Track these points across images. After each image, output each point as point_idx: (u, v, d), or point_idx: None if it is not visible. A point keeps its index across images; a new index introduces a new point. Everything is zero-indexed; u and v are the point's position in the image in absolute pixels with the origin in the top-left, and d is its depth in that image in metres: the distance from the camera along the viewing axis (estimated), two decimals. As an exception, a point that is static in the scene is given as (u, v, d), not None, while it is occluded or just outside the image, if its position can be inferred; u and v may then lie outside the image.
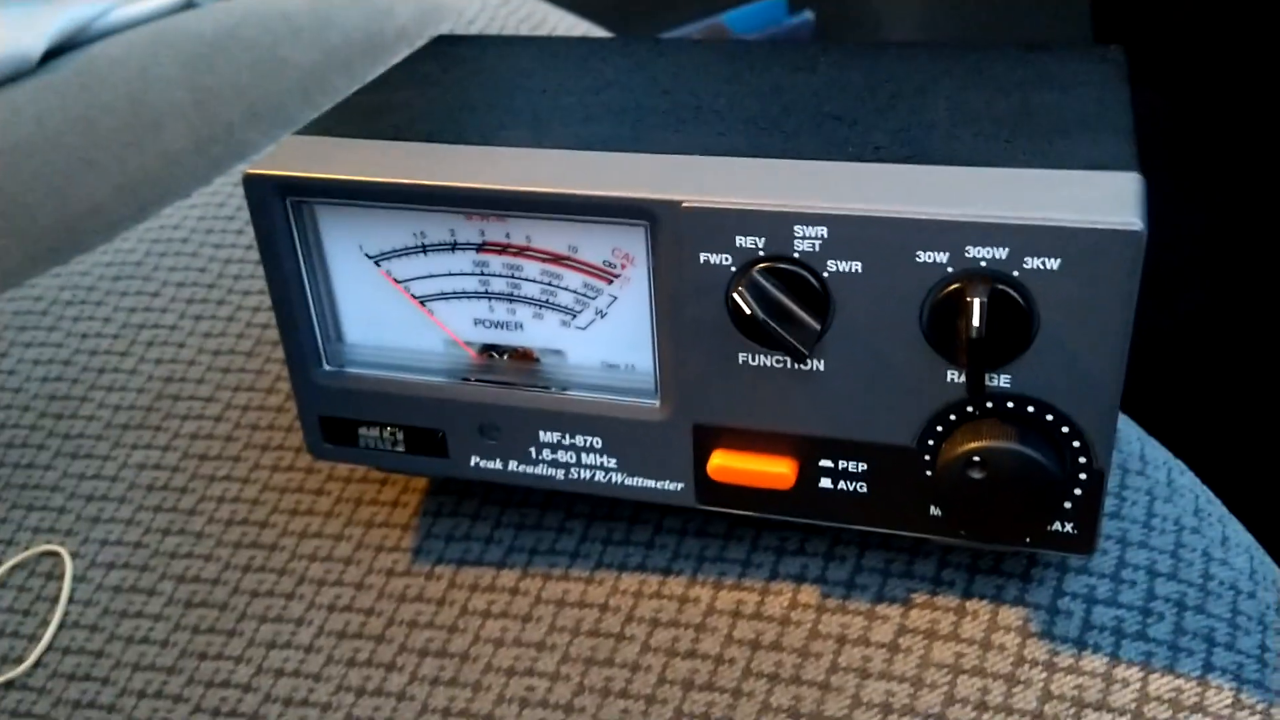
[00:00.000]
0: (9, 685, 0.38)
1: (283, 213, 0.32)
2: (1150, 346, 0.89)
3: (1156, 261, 0.94)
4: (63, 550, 0.41)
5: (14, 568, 0.41)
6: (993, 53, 0.36)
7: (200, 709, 0.36)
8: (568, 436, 0.33)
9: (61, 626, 0.39)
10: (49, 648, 0.39)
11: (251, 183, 0.32)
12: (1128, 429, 0.37)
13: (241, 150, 0.55)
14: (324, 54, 0.57)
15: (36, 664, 0.38)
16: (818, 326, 0.29)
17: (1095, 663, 0.31)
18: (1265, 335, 0.89)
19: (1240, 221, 0.94)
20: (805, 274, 0.29)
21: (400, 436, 0.35)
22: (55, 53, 0.60)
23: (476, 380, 0.34)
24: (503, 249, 0.32)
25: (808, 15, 0.89)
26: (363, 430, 0.35)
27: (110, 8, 0.60)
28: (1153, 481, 0.35)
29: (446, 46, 0.41)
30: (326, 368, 0.35)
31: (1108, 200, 0.27)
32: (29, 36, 0.57)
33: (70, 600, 0.40)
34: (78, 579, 0.40)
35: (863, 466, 0.31)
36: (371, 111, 0.35)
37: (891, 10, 0.91)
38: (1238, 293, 0.91)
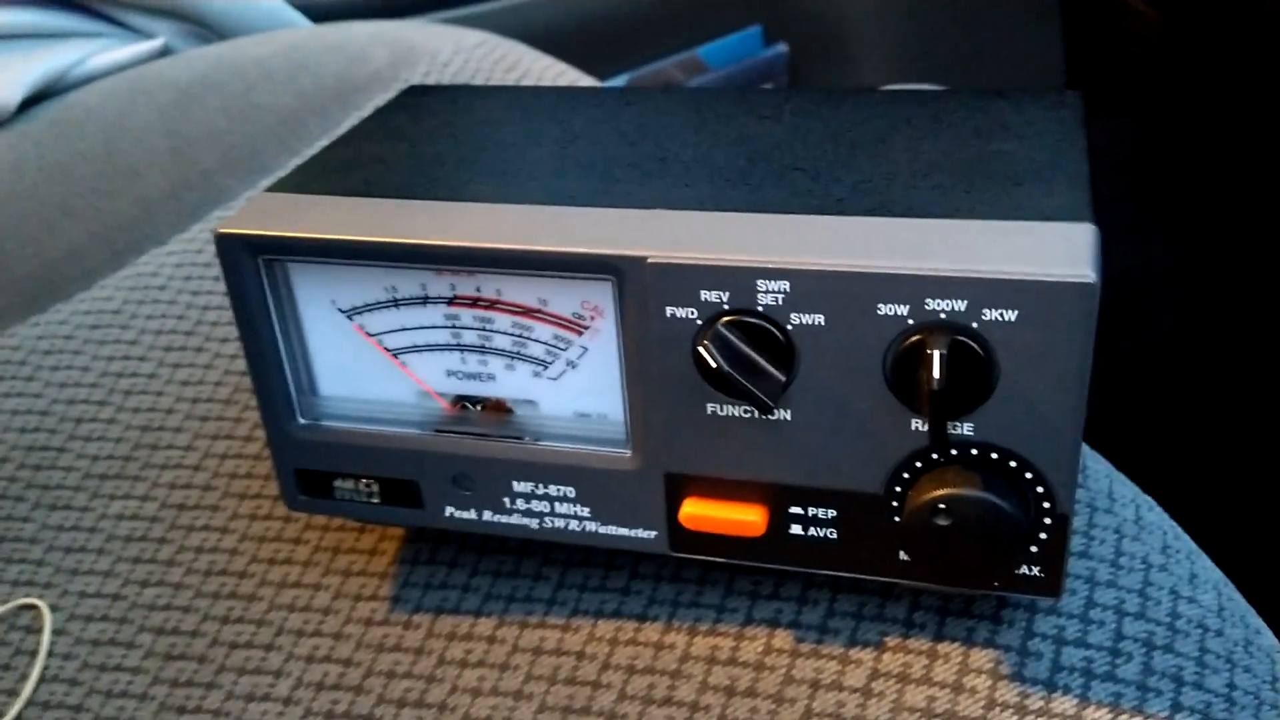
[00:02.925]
0: (-13, 743, 0.38)
1: (255, 270, 0.33)
2: (1123, 369, 0.90)
3: (1128, 287, 0.95)
4: (41, 603, 0.41)
5: (-8, 622, 0.41)
6: (951, 99, 0.36)
7: (179, 763, 0.36)
8: (541, 486, 0.34)
9: (41, 681, 0.39)
10: (29, 702, 0.39)
11: (224, 242, 0.33)
12: (1096, 465, 0.38)
13: (218, 196, 0.55)
14: (298, 98, 0.57)
15: (16, 719, 0.38)
16: (782, 378, 0.29)
17: (1065, 704, 0.31)
18: (1237, 358, 0.90)
19: (1211, 246, 0.95)
20: (769, 327, 0.29)
21: (375, 488, 0.35)
22: (32, 101, 0.60)
23: (450, 431, 0.35)
24: (473, 302, 0.33)
25: (782, 48, 0.90)
26: (338, 482, 0.36)
27: (87, 56, 0.60)
28: (1120, 519, 0.36)
29: (417, 97, 0.42)
30: (301, 421, 0.35)
31: (1061, 252, 0.27)
32: (6, 85, 0.58)
33: (49, 654, 0.40)
34: (57, 632, 0.40)
35: (832, 513, 0.31)
36: (342, 166, 0.36)
37: (866, 43, 0.92)
38: (1209, 317, 0.92)
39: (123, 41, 0.63)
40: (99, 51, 0.61)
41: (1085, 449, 0.39)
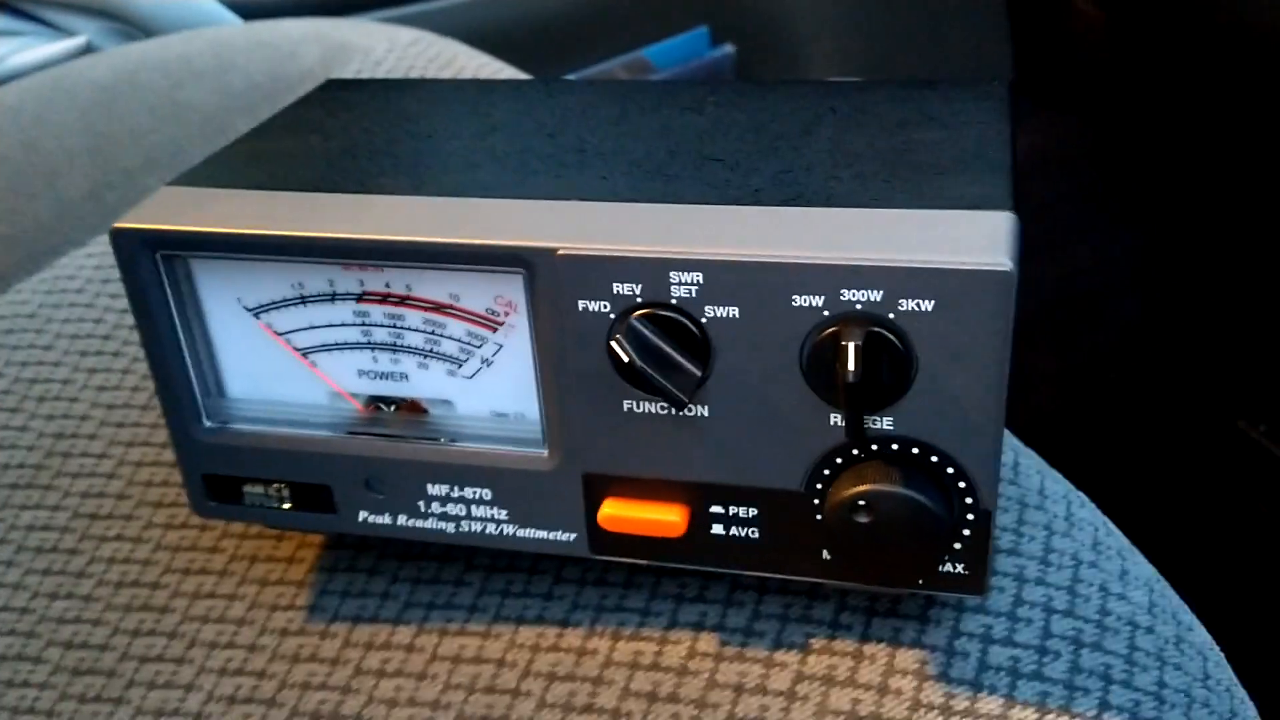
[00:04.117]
0: (-119, 765, 0.36)
1: (152, 267, 0.32)
2: (1076, 368, 0.90)
3: (1081, 286, 0.95)
4: (-55, 618, 0.40)
5: (-109, 639, 0.39)
6: (878, 90, 0.36)
7: (83, 783, 0.34)
8: (456, 489, 0.33)
9: (-58, 699, 0.37)
10: (-72, 722, 0.37)
11: (120, 236, 0.31)
12: (1028, 461, 0.37)
13: (140, 197, 0.54)
14: (226, 97, 0.56)
15: (-89, 741, 0.36)
16: (698, 373, 0.28)
17: (991, 704, 0.30)
18: (1191, 356, 0.90)
19: (1164, 244, 0.96)
20: (684, 320, 0.28)
21: (286, 493, 0.34)
22: (-51, 100, 0.58)
23: (362, 433, 0.33)
24: (383, 298, 0.32)
25: (728, 48, 0.89)
26: (247, 488, 0.34)
27: (7, 55, 0.59)
28: (1051, 516, 0.35)
29: (336, 91, 0.40)
30: (208, 424, 0.34)
31: (979, 240, 0.26)
32: (-80, 84, 0.56)
33: (-48, 671, 0.38)
34: (-40, 648, 0.39)
35: (753, 512, 0.31)
36: (250, 159, 0.34)
37: (813, 43, 0.92)
38: (1162, 315, 0.93)
39: (44, 40, 0.61)
40: (19, 50, 0.60)
41: (1018, 445, 0.38)
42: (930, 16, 0.95)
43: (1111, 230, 0.97)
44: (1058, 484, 0.37)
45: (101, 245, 0.52)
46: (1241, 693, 0.33)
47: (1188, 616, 0.34)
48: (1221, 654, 0.34)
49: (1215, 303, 0.92)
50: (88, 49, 0.61)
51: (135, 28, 0.62)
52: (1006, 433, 0.38)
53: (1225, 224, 0.93)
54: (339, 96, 0.40)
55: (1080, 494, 0.37)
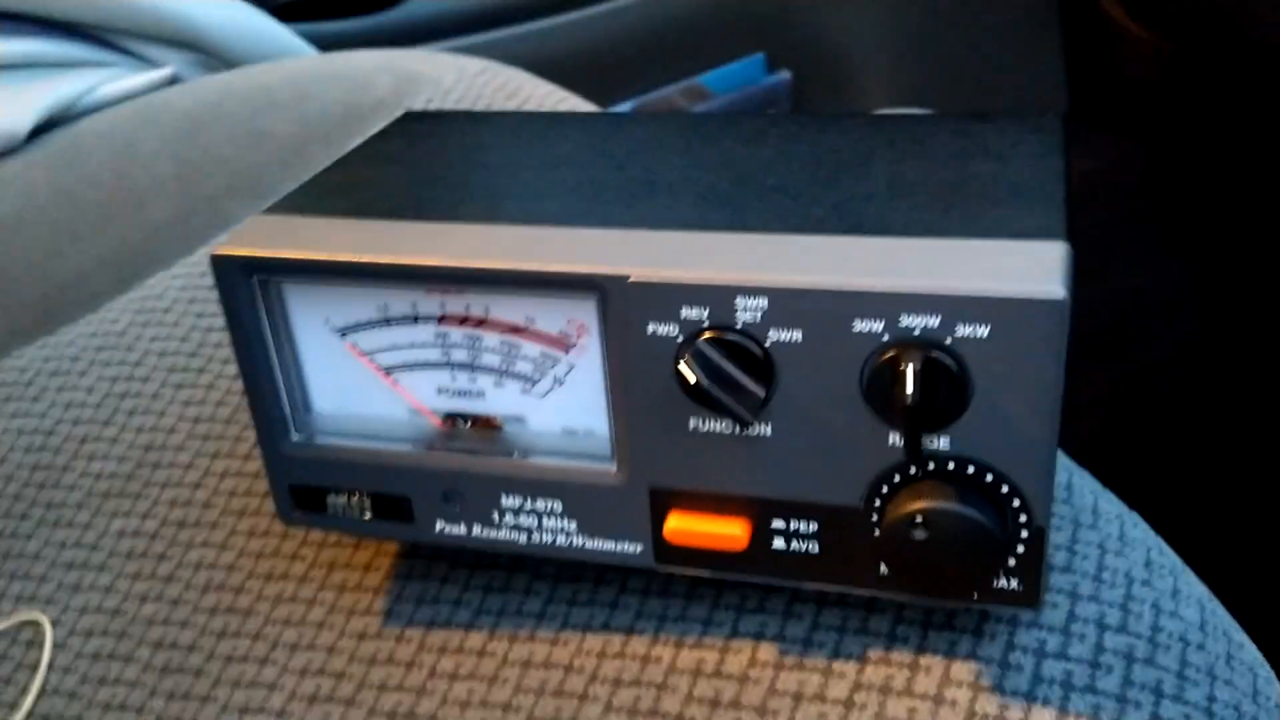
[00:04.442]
0: (-13, 755, 0.38)
1: (248, 290, 0.34)
2: (1124, 392, 0.90)
3: (1130, 310, 0.95)
4: (43, 618, 0.42)
5: (-6, 637, 0.42)
6: (934, 124, 0.37)
7: (174, 776, 0.36)
8: (529, 501, 0.34)
9: (41, 694, 0.40)
10: (29, 715, 0.39)
11: (219, 262, 0.33)
12: (1081, 482, 0.38)
13: (224, 221, 0.56)
14: (302, 126, 0.59)
15: (14, 733, 0.39)
16: (761, 393, 0.30)
17: (1044, 716, 0.31)
18: (1238, 381, 0.90)
19: (1213, 269, 0.95)
20: (748, 343, 0.30)
21: (367, 503, 0.36)
22: (42, 129, 0.62)
23: (441, 448, 0.35)
24: (462, 321, 0.33)
25: (785, 75, 0.91)
26: (331, 498, 0.36)
27: (97, 85, 0.62)
28: (1104, 535, 0.36)
29: (413, 124, 0.42)
30: (295, 438, 0.36)
31: (1033, 269, 0.28)
32: (17, 113, 0.59)
33: (50, 667, 0.41)
34: (58, 646, 0.41)
35: (813, 527, 0.32)
36: (336, 189, 0.37)
37: (868, 70, 0.93)
38: (1211, 340, 0.93)
39: (132, 71, 0.64)
40: (109, 80, 0.63)
41: (1072, 466, 0.39)
42: (985, 43, 0.96)
43: (1163, 254, 0.97)
44: (1111, 504, 0.38)
45: (187, 267, 0.54)
46: (1292, 710, 0.34)
47: (1239, 635, 0.35)
48: (1272, 671, 0.34)
49: (1266, 326, 0.91)
50: (174, 80, 0.64)
51: (218, 59, 0.65)
52: (1060, 453, 0.39)
53: (1269, 248, 0.93)
54: (416, 129, 0.42)
55: (1134, 514, 0.38)
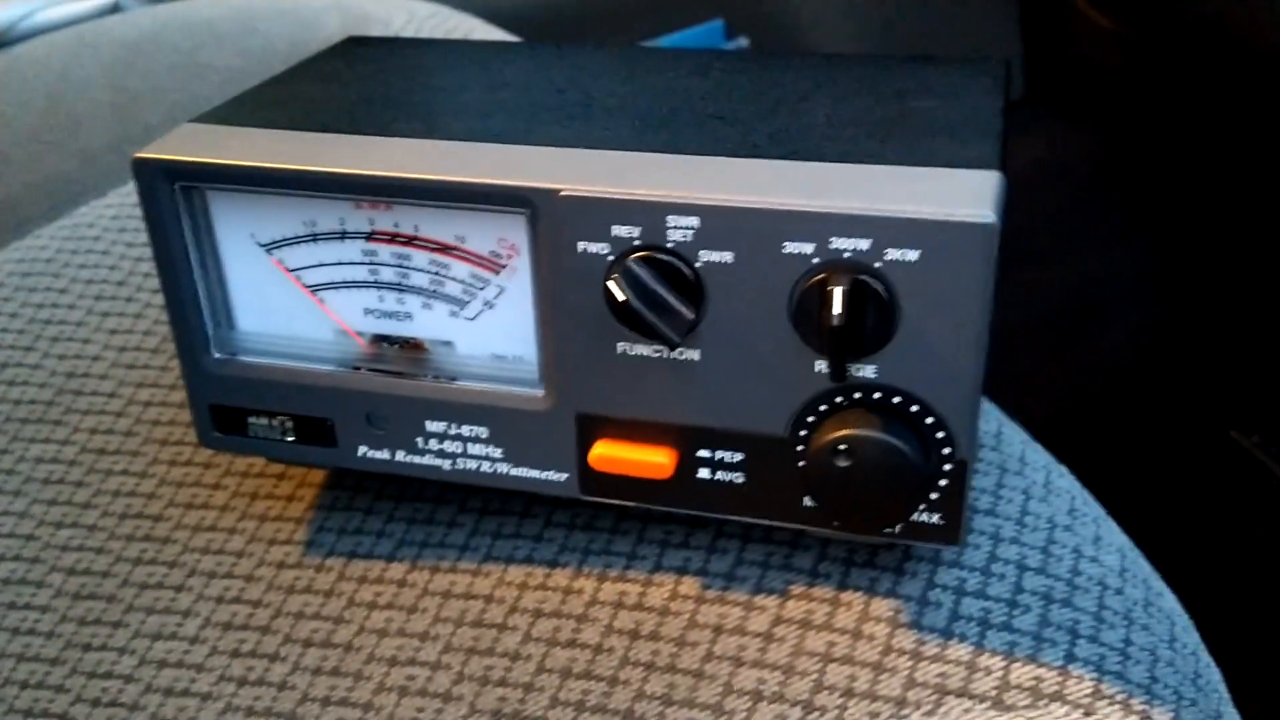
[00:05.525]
0: (-115, 674, 0.37)
1: (171, 198, 0.33)
2: (1082, 375, 0.91)
3: (1089, 295, 0.96)
4: (-47, 542, 0.41)
5: (-100, 558, 0.41)
6: (879, 63, 0.37)
7: (81, 699, 0.35)
8: (454, 426, 0.34)
9: (-54, 618, 0.39)
10: (-68, 639, 0.38)
11: (141, 166, 0.32)
12: (1011, 433, 0.38)
13: (160, 152, 0.55)
14: (246, 60, 0.57)
15: (-84, 654, 0.38)
16: (690, 315, 0.29)
17: (960, 652, 0.31)
18: (1198, 365, 0.91)
19: (1173, 255, 0.97)
20: (679, 263, 0.29)
21: (290, 425, 0.35)
22: (-23, 52, 0.60)
23: (366, 369, 0.34)
24: (391, 238, 0.33)
25: (743, 41, 0.91)
26: (252, 419, 0.36)
27: (34, 10, 0.60)
28: (1030, 482, 0.36)
29: (355, 46, 0.42)
30: (216, 355, 0.35)
31: (965, 194, 0.28)
32: (-50, 35, 0.57)
33: (-43, 592, 0.39)
34: (-34, 571, 0.40)
35: (739, 456, 0.32)
36: (270, 103, 0.36)
37: (827, 38, 0.93)
38: (1170, 325, 0.94)
39: (73, -2, 0.63)
40: (48, 6, 0.61)
41: (1002, 416, 0.39)
42: (943, 26, 0.96)
43: (1114, 241, 0.98)
44: (1039, 455, 0.38)
45: (120, 196, 0.53)
46: (1208, 658, 0.34)
47: (1158, 583, 0.35)
48: (1189, 621, 0.34)
49: (1211, 314, 0.92)
50: (115, 8, 0.63)
51: (162, -10, 0.64)
52: (993, 405, 0.39)
53: (1225, 236, 0.94)
54: (357, 51, 0.41)
55: (1061, 465, 0.38)
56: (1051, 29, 0.99)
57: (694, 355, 0.31)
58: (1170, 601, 0.35)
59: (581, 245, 0.30)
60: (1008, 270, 0.33)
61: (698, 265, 0.29)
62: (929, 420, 0.29)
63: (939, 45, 0.98)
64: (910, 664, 0.31)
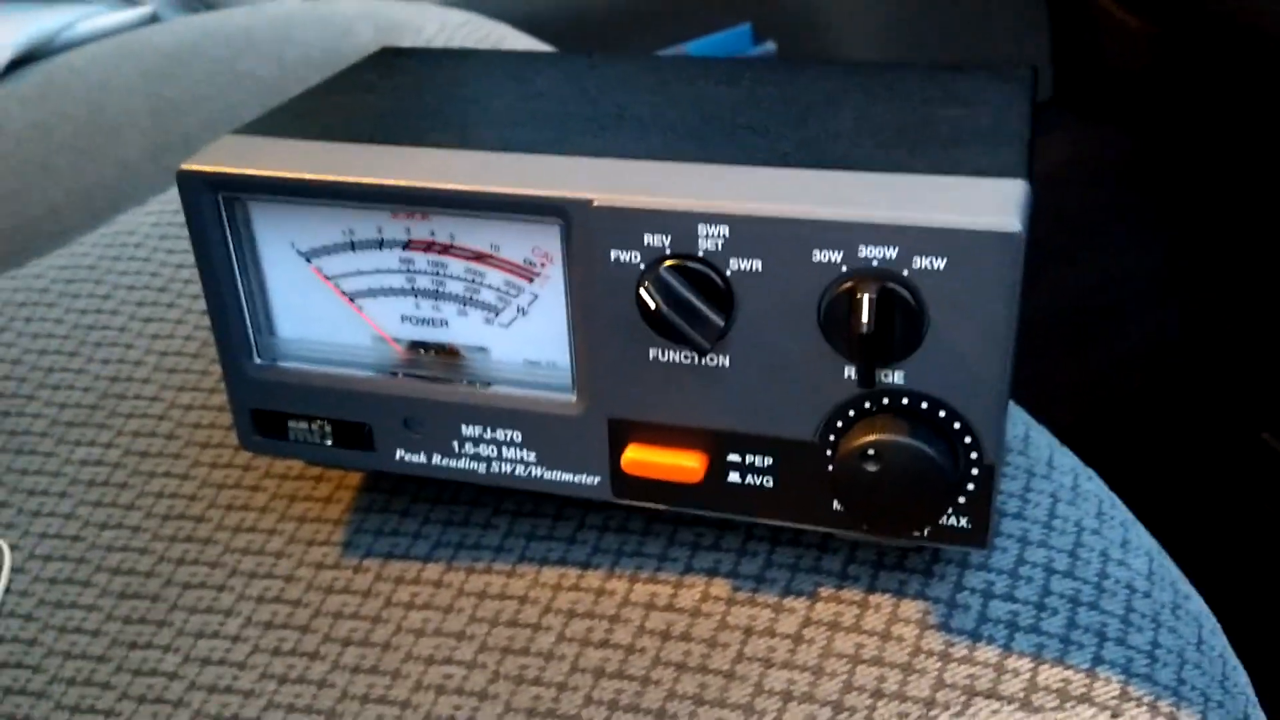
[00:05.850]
0: (-61, 671, 0.38)
1: (215, 208, 0.34)
2: (1105, 376, 0.91)
3: (1112, 296, 0.96)
4: (3, 543, 0.42)
5: (-49, 558, 0.42)
6: (906, 71, 0.37)
7: (127, 696, 0.36)
8: (489, 430, 0.35)
9: (-4, 616, 0.40)
10: (-18, 637, 0.39)
11: (185, 178, 0.33)
12: (1039, 436, 0.39)
13: (198, 160, 0.56)
14: (282, 69, 0.58)
15: (-32, 651, 0.39)
16: (721, 322, 0.30)
17: (988, 654, 0.32)
18: (1221, 366, 0.91)
19: (1197, 255, 0.96)
20: (709, 271, 0.30)
21: (328, 429, 0.36)
22: (19, 63, 0.61)
23: (403, 375, 0.35)
24: (428, 246, 0.34)
25: (770, 46, 0.91)
26: (292, 423, 0.36)
27: (75, 20, 0.61)
28: (1057, 485, 0.36)
29: (390, 58, 0.42)
30: (258, 361, 0.36)
31: (991, 203, 0.28)
32: (-6, 46, 0.59)
33: (7, 591, 0.40)
34: (16, 570, 0.41)
35: (768, 461, 0.32)
36: (308, 114, 0.37)
37: (854, 41, 0.93)
38: (1194, 326, 0.93)
39: (112, 7, 0.64)
40: (88, 17, 0.62)
41: (1029, 420, 0.39)
42: (970, 27, 0.96)
43: (1142, 241, 0.97)
44: (1067, 458, 0.38)
45: (160, 204, 0.54)
46: (1235, 661, 0.34)
47: (1186, 586, 0.35)
48: (1217, 624, 0.35)
49: (1241, 315, 0.92)
50: (154, 18, 0.64)
51: None
52: (1020, 409, 0.39)
53: (1253, 237, 0.93)
54: (392, 62, 0.42)
55: (1089, 469, 0.38)
56: (1078, 29, 0.99)
57: (724, 361, 0.31)
58: (1198, 604, 0.35)
59: (614, 254, 0.31)
60: (1033, 268, 0.33)
61: (728, 273, 0.30)
62: (956, 425, 0.30)
63: (965, 45, 0.98)
64: (939, 665, 0.31)
